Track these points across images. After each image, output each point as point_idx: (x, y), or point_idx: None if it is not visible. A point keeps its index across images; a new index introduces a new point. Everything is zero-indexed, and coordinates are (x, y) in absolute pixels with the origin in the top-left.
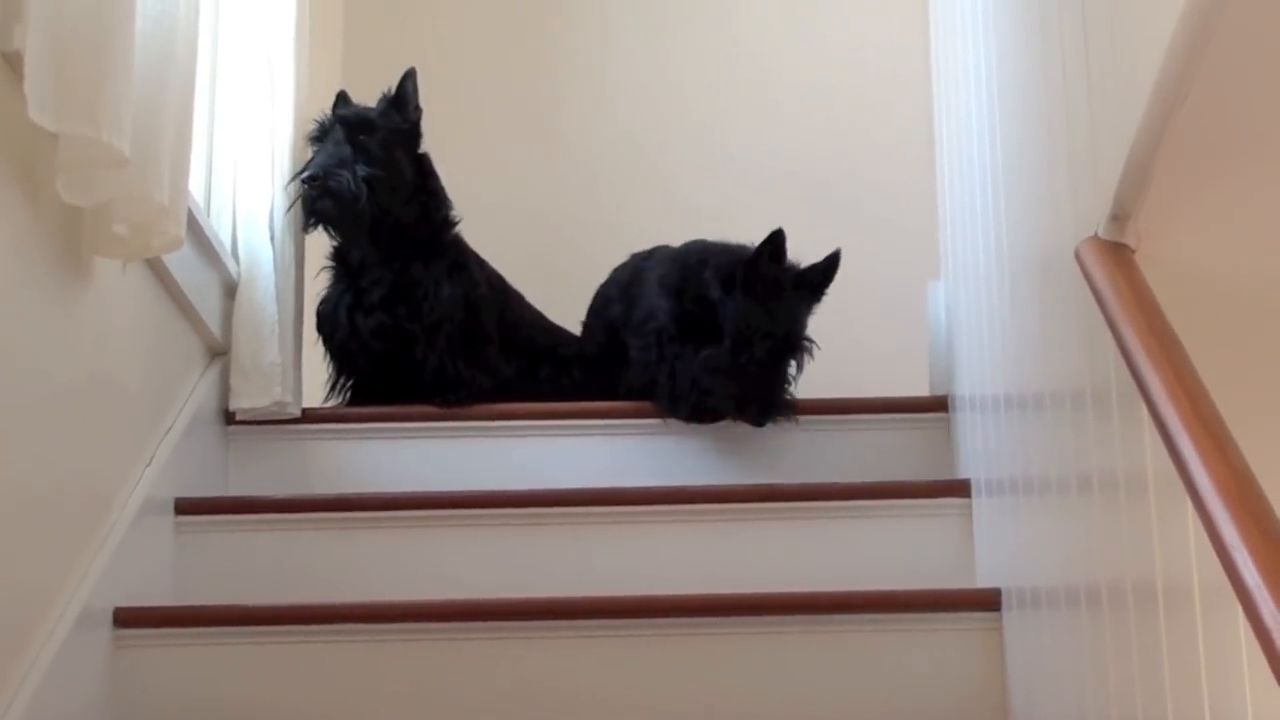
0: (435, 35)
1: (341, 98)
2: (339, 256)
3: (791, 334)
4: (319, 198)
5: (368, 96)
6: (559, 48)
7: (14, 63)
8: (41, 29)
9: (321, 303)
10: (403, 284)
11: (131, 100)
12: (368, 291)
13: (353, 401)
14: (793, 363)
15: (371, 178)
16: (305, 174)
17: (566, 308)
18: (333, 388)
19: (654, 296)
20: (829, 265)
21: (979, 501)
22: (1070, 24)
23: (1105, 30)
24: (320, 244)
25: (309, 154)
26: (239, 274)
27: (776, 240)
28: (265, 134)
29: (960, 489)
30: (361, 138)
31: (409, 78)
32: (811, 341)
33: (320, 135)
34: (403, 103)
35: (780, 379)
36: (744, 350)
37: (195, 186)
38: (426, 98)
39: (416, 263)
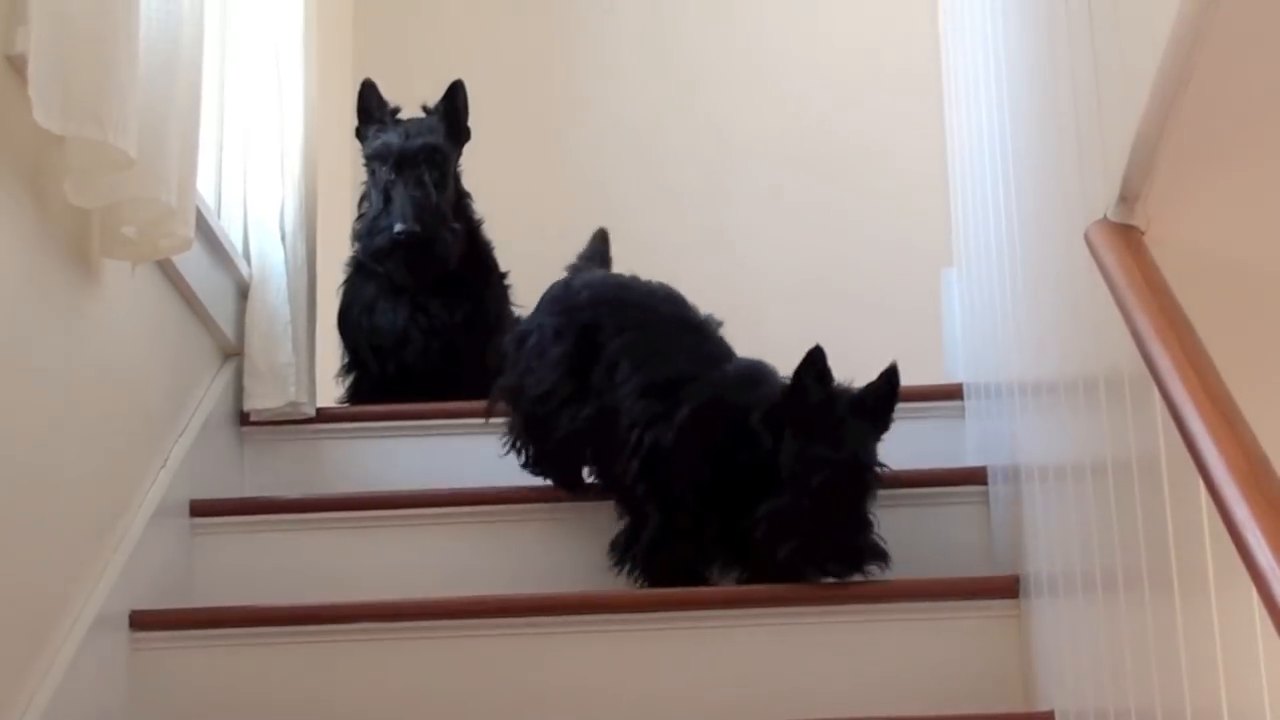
0: (445, 33)
1: (372, 89)
2: (387, 275)
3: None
4: (414, 252)
5: (380, 90)
6: (567, 41)
7: (18, 65)
8: (45, 31)
9: (377, 315)
10: (468, 307)
11: (137, 101)
12: (439, 316)
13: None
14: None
15: (456, 228)
16: (402, 228)
17: None
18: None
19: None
20: (889, 385)
21: (996, 489)
22: (1076, 5)
23: (1110, 9)
24: (328, 243)
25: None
26: (251, 275)
27: (817, 361)
28: (274, 134)
29: (977, 476)
30: (438, 175)
31: (461, 92)
32: (884, 466)
33: (400, 165)
34: (457, 122)
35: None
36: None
37: (205, 188)
38: (435, 95)
39: (473, 285)
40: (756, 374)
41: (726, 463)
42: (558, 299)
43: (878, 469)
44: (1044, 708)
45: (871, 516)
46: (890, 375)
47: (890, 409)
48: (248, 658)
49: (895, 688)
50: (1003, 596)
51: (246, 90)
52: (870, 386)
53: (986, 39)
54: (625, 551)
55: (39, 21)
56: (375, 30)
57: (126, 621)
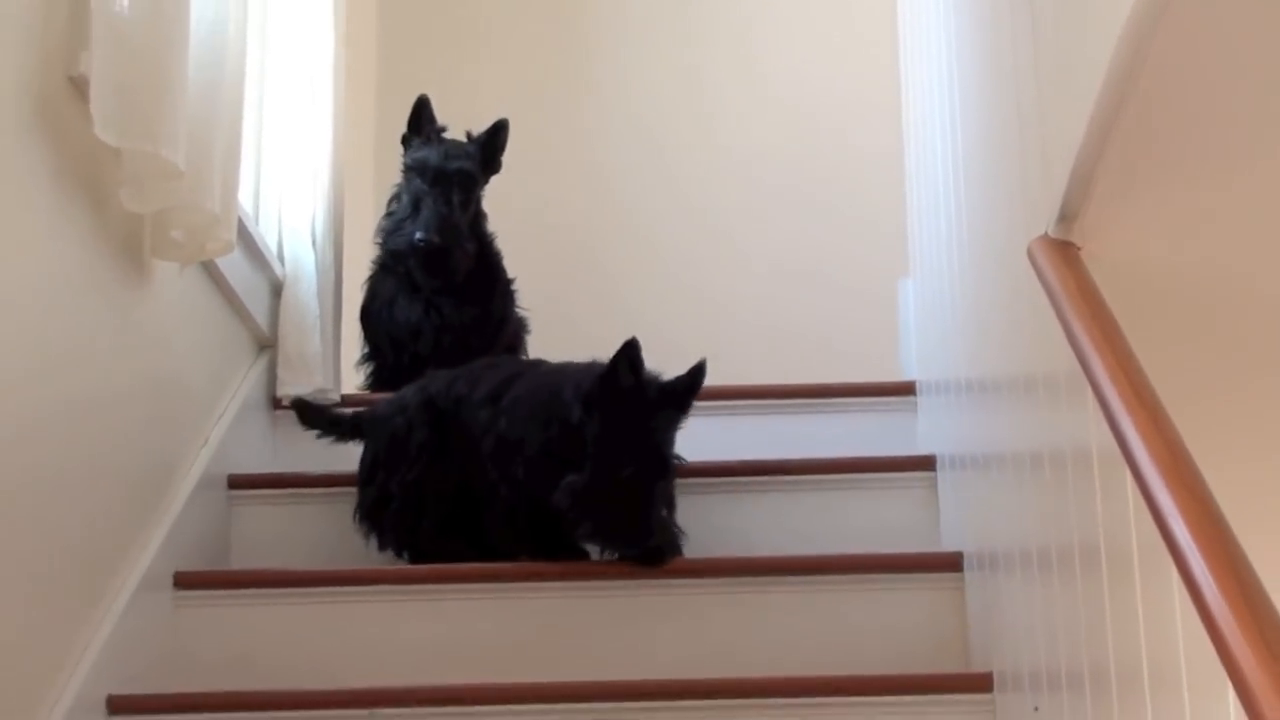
0: (464, 63)
1: (426, 105)
2: (406, 274)
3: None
4: (430, 259)
5: (400, 114)
6: (585, 63)
7: (80, 85)
8: (105, 55)
9: (396, 310)
10: (477, 310)
11: (186, 119)
12: (450, 315)
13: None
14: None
15: (469, 246)
16: (423, 237)
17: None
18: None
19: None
20: (694, 378)
21: (943, 474)
22: (1022, 43)
23: (1053, 49)
24: (352, 247)
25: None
26: (284, 275)
27: (630, 351)
28: (307, 150)
29: (926, 463)
30: (466, 197)
31: (503, 130)
32: (680, 459)
33: (434, 180)
34: (492, 155)
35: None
36: (607, 475)
37: (245, 197)
38: (449, 120)
39: (483, 291)
40: (573, 363)
41: (552, 438)
42: None
43: (675, 460)
44: (983, 669)
45: (656, 495)
46: (697, 370)
47: (692, 397)
48: (278, 614)
49: (849, 651)
50: (948, 570)
51: (283, 110)
52: (679, 378)
53: (940, 66)
54: (504, 529)
55: (100, 46)
56: (397, 60)
57: (171, 581)
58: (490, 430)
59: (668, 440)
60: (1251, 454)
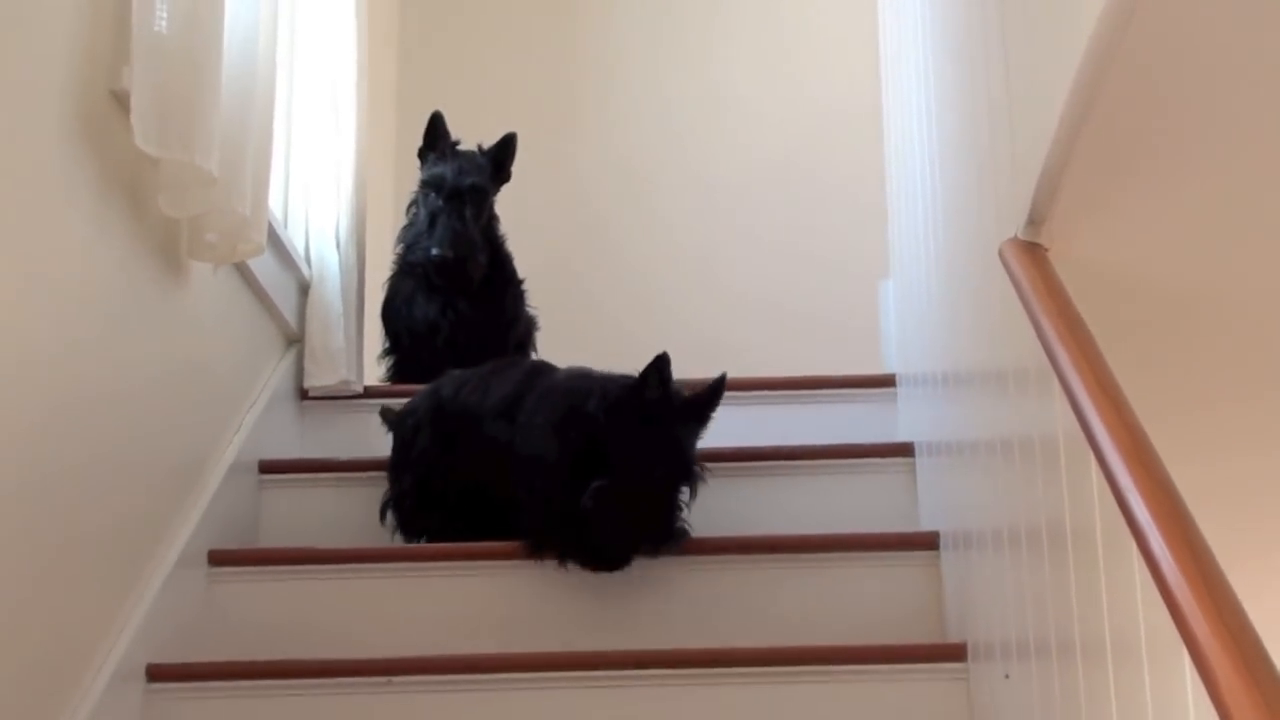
0: (487, 68)
1: (440, 120)
2: (424, 275)
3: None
4: (445, 270)
5: (419, 119)
6: (612, 67)
7: (122, 99)
8: (145, 70)
9: (414, 308)
10: (489, 307)
11: (219, 130)
12: (464, 313)
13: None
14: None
15: (482, 259)
16: (438, 253)
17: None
18: (408, 374)
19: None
20: (714, 393)
21: (921, 460)
22: (994, 56)
23: (1023, 65)
24: (373, 249)
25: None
26: (310, 275)
27: (661, 365)
28: (331, 159)
29: (906, 450)
30: (478, 210)
31: (512, 143)
32: (704, 468)
33: (449, 197)
34: (502, 166)
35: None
36: (632, 480)
37: (274, 203)
38: (466, 131)
39: (495, 292)
40: (585, 373)
41: (573, 449)
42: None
43: (695, 467)
44: (958, 640)
45: (676, 498)
46: (717, 384)
47: (712, 410)
48: (303, 589)
49: (834, 622)
50: (925, 549)
51: (309, 122)
52: (701, 392)
53: (919, 80)
54: (531, 532)
55: (140, 62)
56: (416, 72)
57: (205, 558)
58: (507, 444)
59: (690, 446)
60: (1213, 448)
